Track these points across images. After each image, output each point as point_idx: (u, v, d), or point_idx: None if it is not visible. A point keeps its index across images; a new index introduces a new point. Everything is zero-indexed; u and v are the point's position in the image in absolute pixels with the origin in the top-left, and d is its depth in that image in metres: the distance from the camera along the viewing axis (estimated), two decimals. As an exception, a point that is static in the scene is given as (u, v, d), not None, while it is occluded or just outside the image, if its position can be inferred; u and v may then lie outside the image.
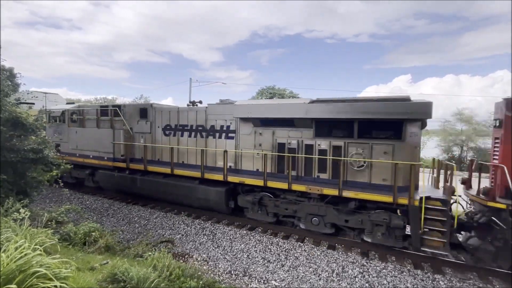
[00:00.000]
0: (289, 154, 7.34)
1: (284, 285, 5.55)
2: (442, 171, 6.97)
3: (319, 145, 7.39)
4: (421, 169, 6.89)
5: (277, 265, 6.24)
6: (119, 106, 10.83)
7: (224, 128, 8.86)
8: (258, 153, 8.13)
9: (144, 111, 10.43)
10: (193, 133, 9.46)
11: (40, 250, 3.17)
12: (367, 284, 5.49)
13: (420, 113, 6.30)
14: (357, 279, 5.65)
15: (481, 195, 5.96)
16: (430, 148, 25.96)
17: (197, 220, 8.61)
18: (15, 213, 4.56)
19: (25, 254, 2.90)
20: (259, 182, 7.61)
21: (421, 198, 5.85)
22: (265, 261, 6.38)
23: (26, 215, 4.44)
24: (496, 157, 6.19)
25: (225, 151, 8.14)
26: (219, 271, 6.06)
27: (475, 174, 6.65)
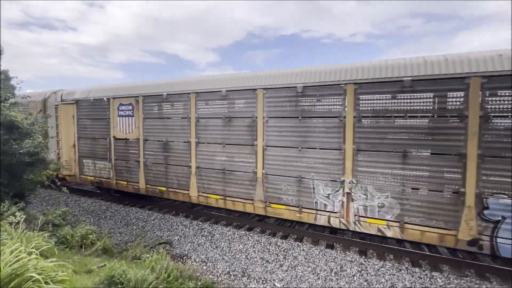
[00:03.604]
0: None
1: (283, 285, 5.55)
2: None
3: None
4: None
5: (275, 265, 6.24)
6: None
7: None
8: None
9: None
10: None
11: (36, 254, 3.15)
12: (365, 283, 5.51)
13: None
14: (355, 277, 5.67)
15: None
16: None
17: (195, 221, 8.60)
18: (11, 216, 4.53)
19: (21, 258, 2.87)
20: None
21: None
22: (264, 261, 6.38)
23: (22, 218, 4.41)
24: None
25: None
26: (217, 272, 6.05)
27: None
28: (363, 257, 6.35)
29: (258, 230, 8.00)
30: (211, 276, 5.81)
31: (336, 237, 7.25)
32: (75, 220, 7.82)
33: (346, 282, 5.54)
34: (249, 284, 5.60)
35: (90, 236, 6.26)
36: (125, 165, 9.87)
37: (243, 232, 7.76)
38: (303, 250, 6.73)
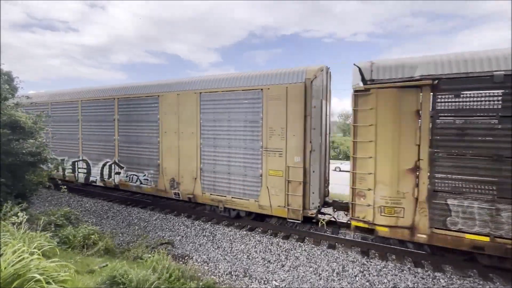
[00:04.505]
0: None
1: (285, 285, 5.54)
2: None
3: None
4: None
5: (277, 265, 6.23)
6: None
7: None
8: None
9: None
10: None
11: (38, 254, 3.16)
12: (367, 283, 5.49)
13: None
14: (357, 278, 5.65)
15: None
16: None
17: (197, 222, 8.60)
18: (13, 216, 4.55)
19: (23, 258, 2.88)
20: None
21: None
22: (265, 262, 6.37)
23: (24, 218, 4.43)
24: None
25: None
26: (219, 272, 6.05)
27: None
28: (365, 257, 6.33)
29: (259, 230, 7.99)
30: (212, 276, 5.80)
31: (337, 237, 7.23)
32: (76, 219, 7.85)
33: (348, 283, 5.52)
34: (251, 284, 5.59)
35: (92, 236, 6.26)
36: None
37: (244, 232, 7.75)
38: (304, 250, 6.71)
